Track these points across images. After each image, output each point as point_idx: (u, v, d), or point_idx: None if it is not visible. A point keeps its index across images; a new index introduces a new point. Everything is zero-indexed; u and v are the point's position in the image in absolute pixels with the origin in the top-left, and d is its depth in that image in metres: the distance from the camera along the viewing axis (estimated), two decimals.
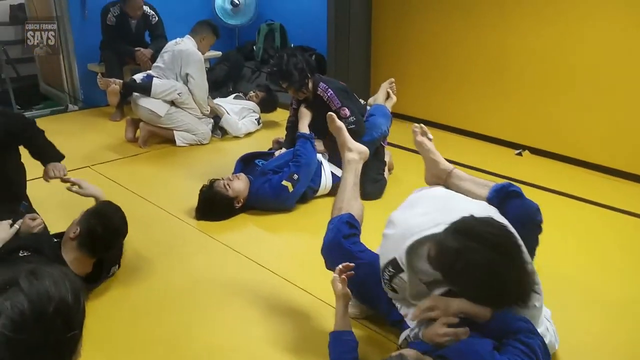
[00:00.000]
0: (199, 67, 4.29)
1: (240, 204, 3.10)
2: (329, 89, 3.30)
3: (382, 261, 1.87)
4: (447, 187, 2.10)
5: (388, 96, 3.74)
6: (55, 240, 2.34)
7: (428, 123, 4.59)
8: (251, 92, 4.90)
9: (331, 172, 3.35)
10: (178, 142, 4.26)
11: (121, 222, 2.36)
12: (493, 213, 1.79)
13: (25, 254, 2.13)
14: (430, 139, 2.28)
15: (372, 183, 3.34)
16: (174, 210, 3.17)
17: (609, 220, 3.15)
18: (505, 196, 1.90)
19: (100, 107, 5.25)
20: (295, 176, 3.11)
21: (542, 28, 3.86)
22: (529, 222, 1.86)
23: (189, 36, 4.33)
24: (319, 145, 3.36)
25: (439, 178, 2.17)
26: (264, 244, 2.91)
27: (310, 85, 3.33)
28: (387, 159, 3.58)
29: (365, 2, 4.77)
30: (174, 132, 4.26)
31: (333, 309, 2.27)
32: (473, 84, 4.36)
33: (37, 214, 2.51)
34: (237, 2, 5.98)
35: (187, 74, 4.23)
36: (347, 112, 3.27)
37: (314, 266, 2.68)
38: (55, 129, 4.51)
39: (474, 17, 4.21)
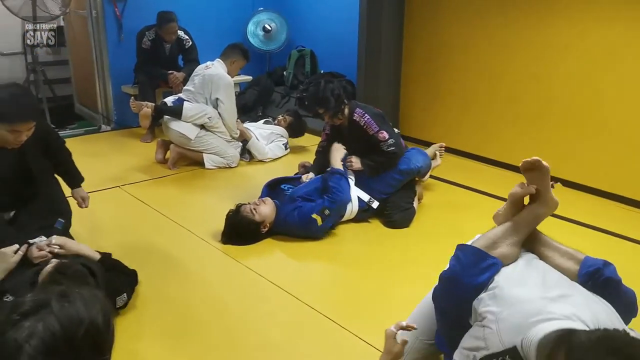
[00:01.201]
0: (229, 92, 4.35)
1: (266, 229, 3.10)
2: (366, 114, 3.30)
3: (490, 343, 1.49)
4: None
5: (434, 157, 3.80)
6: None
7: (457, 152, 4.59)
8: (280, 116, 4.94)
9: (357, 196, 3.33)
10: (207, 165, 4.30)
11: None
12: (616, 319, 1.51)
13: (9, 298, 2.09)
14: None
15: (400, 211, 3.32)
16: (200, 233, 3.18)
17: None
18: (603, 286, 1.62)
19: (131, 128, 5.34)
20: (327, 212, 3.08)
21: (573, 62, 3.82)
22: (628, 314, 1.64)
23: (219, 60, 4.40)
24: (357, 162, 3.34)
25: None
26: (289, 270, 2.89)
27: (346, 111, 3.34)
28: (417, 189, 3.55)
29: (396, 30, 4.79)
30: (203, 154, 4.30)
31: (356, 338, 2.24)
32: (504, 115, 4.32)
33: (70, 237, 2.56)
34: (269, 27, 6.08)
35: (216, 99, 4.29)
36: (385, 134, 3.27)
37: (338, 293, 2.66)
38: (88, 148, 4.64)
39: (508, 48, 4.20)
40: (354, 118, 3.31)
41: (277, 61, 6.27)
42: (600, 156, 3.80)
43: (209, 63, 4.40)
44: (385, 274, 2.81)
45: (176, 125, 4.23)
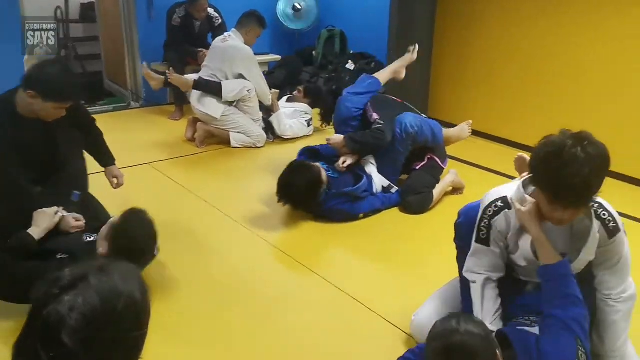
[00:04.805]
0: (249, 63, 4.29)
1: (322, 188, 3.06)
2: (368, 102, 3.32)
3: (484, 204, 1.82)
4: None
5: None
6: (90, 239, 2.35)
7: (488, 137, 4.51)
8: (294, 92, 4.90)
9: (382, 185, 3.31)
10: (232, 143, 4.29)
11: (146, 239, 2.28)
12: None
13: (62, 256, 2.18)
14: None
15: (414, 194, 3.25)
16: (227, 211, 3.20)
17: None
18: None
19: (160, 105, 5.37)
20: (370, 214, 3.18)
21: (606, 48, 3.72)
22: None
23: (234, 30, 4.33)
24: (336, 138, 3.27)
25: None
26: (315, 248, 2.90)
27: None
28: (451, 177, 3.48)
29: (428, 11, 4.69)
30: (230, 133, 4.30)
31: (388, 324, 2.23)
32: (534, 100, 4.23)
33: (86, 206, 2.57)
34: (299, 6, 6.01)
35: (239, 73, 4.26)
36: (375, 116, 3.22)
37: (363, 273, 2.65)
38: (117, 125, 4.68)
39: (541, 33, 4.09)
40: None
41: (307, 41, 6.20)
42: (634, 143, 3.71)
43: (225, 35, 4.35)
44: (404, 257, 2.80)
45: (201, 106, 4.24)
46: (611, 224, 1.69)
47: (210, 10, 5.07)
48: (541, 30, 4.09)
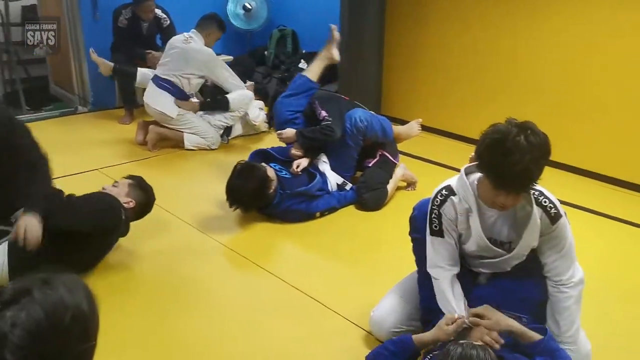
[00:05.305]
0: (215, 63, 4.28)
1: (271, 190, 3.05)
2: (316, 101, 3.38)
3: (432, 195, 1.88)
4: None
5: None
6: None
7: (440, 132, 4.58)
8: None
9: (337, 183, 3.32)
10: (186, 145, 4.23)
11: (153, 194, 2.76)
12: None
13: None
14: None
15: (369, 190, 3.28)
16: (181, 215, 3.15)
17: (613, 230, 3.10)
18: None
19: (109, 109, 5.23)
20: (327, 212, 3.19)
21: (560, 45, 3.84)
22: None
23: (194, 31, 4.28)
24: (288, 132, 3.34)
25: None
26: (267, 247, 2.91)
27: None
28: (401, 171, 3.52)
29: (378, 10, 4.73)
30: (184, 134, 4.23)
31: (346, 321, 2.24)
32: (488, 96, 4.32)
33: None
34: (249, 6, 5.97)
35: (202, 75, 4.23)
36: (323, 113, 3.28)
37: (319, 273, 2.65)
38: (65, 130, 4.55)
39: (494, 28, 4.18)
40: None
41: (258, 41, 6.16)
42: (587, 137, 3.83)
43: (186, 35, 4.27)
44: (360, 255, 2.82)
45: (156, 103, 4.16)
46: (552, 210, 1.75)
47: (158, 11, 4.97)
48: (491, 27, 4.18)
